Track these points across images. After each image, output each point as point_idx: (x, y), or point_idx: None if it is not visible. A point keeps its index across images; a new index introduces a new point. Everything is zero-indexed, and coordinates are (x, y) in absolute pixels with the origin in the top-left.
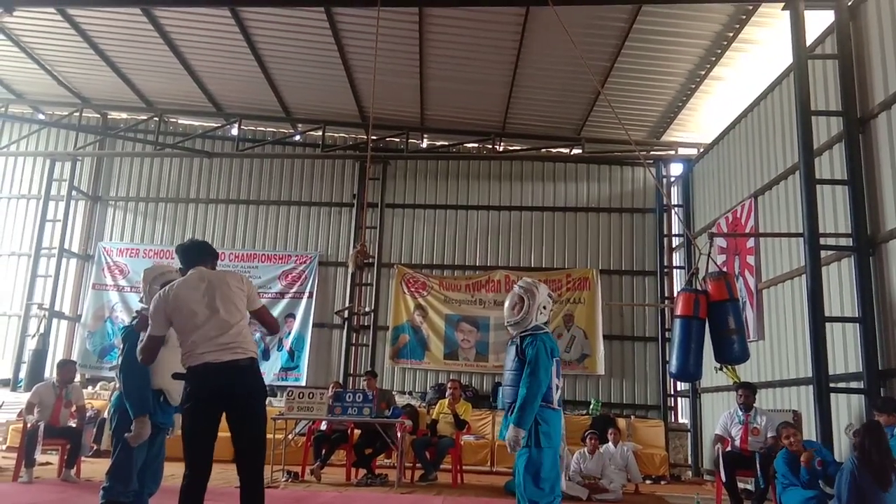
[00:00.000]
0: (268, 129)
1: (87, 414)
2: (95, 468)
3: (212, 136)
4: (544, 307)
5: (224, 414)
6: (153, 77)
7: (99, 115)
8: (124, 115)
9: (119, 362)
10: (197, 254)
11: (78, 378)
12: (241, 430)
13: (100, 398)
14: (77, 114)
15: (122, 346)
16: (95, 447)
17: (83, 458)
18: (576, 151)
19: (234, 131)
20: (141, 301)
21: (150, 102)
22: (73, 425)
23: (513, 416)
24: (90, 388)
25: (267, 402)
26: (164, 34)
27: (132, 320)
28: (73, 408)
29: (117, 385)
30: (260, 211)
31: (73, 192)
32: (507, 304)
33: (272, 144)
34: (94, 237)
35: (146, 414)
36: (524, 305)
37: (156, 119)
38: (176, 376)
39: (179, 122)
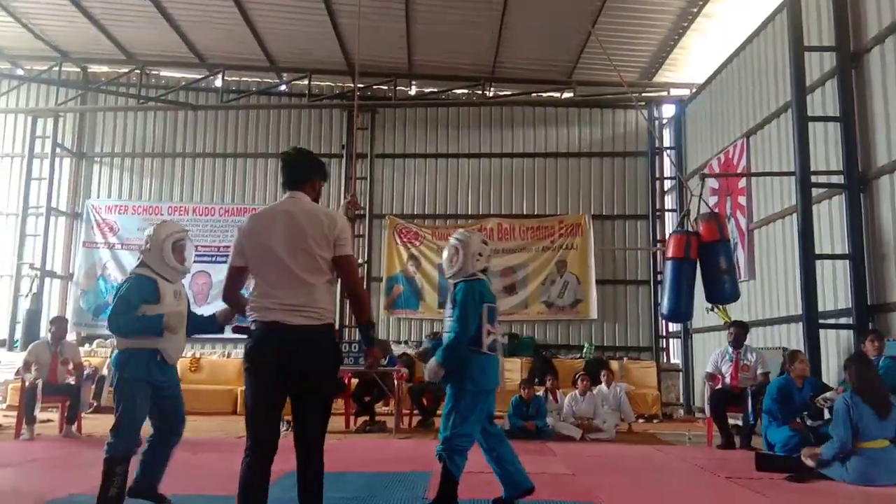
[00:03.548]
0: (252, 79)
1: (85, 371)
2: (96, 424)
3: (195, 87)
4: (480, 254)
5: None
6: (131, 26)
7: (79, 69)
8: (105, 69)
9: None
10: (302, 169)
11: (74, 336)
12: (303, 403)
13: (96, 356)
14: (57, 68)
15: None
16: (95, 403)
17: (83, 415)
18: (567, 95)
19: (218, 82)
20: (141, 254)
21: (130, 54)
22: (72, 382)
23: (438, 353)
24: (87, 346)
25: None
26: None
27: (127, 278)
28: (70, 365)
29: (115, 343)
30: (248, 164)
31: (58, 150)
32: (444, 256)
33: (257, 95)
34: (81, 195)
35: (161, 323)
36: (459, 256)
37: (137, 71)
38: (237, 330)
39: (162, 74)
